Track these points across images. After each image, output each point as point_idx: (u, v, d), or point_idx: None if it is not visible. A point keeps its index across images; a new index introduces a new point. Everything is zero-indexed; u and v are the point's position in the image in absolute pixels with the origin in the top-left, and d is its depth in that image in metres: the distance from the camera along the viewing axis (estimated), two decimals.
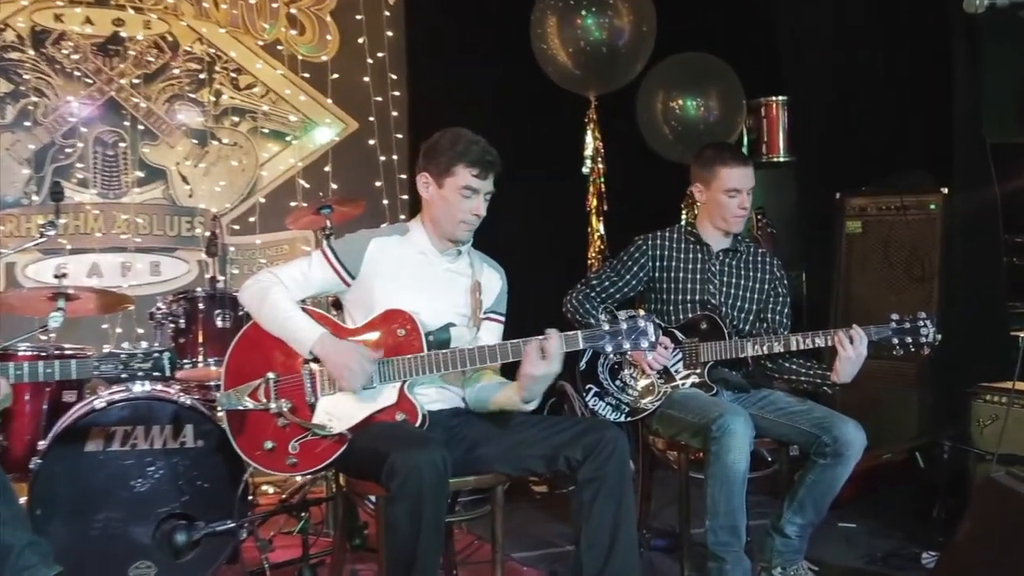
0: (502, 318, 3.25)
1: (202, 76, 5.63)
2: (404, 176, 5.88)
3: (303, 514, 3.77)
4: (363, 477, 2.91)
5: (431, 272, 3.13)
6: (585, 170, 5.74)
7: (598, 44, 5.50)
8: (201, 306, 4.12)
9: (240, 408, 2.99)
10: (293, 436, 2.97)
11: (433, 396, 3.08)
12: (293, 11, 5.82)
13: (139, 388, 3.61)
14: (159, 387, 3.66)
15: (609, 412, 3.63)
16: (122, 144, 5.48)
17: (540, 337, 2.89)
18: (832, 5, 5.76)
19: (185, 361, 4.06)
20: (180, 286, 5.40)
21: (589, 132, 5.73)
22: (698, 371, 3.61)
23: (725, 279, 3.71)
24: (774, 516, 3.51)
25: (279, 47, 5.80)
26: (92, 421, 3.48)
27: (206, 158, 5.64)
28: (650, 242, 3.73)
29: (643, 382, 3.63)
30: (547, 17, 5.56)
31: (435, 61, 5.91)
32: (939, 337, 3.32)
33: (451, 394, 3.14)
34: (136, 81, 5.49)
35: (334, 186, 5.83)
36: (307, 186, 5.80)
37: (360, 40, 5.96)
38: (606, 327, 2.90)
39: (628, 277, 3.71)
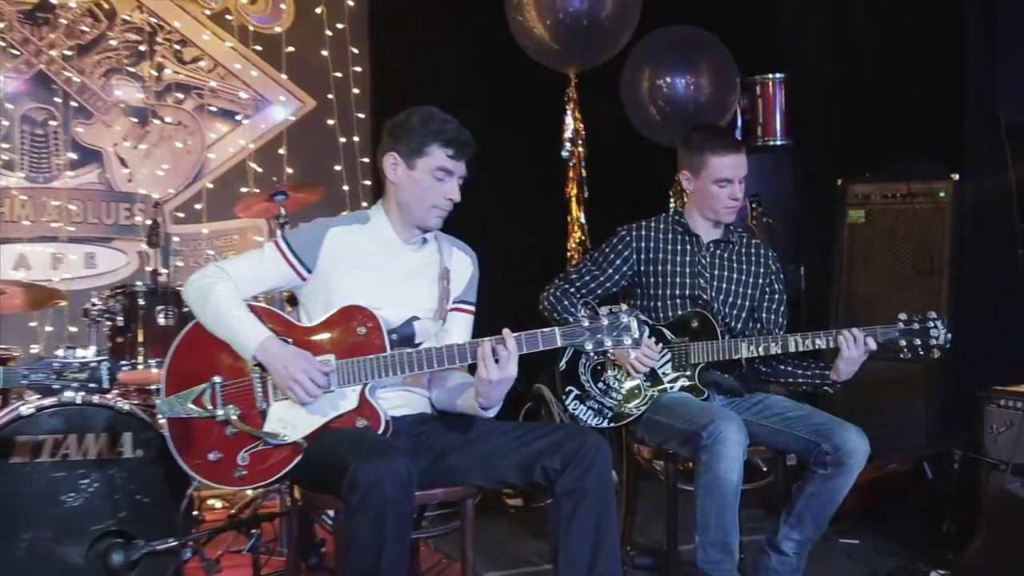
0: (472, 308, 3.25)
1: (142, 48, 5.59)
2: (366, 160, 5.86)
3: (254, 531, 3.75)
4: (320, 490, 2.90)
5: (395, 263, 3.12)
6: (564, 154, 5.74)
7: (578, 16, 5.49)
8: (141, 302, 4.11)
9: (183, 415, 2.97)
10: (242, 446, 2.95)
11: (397, 400, 3.07)
12: None
13: (72, 392, 3.57)
14: None
15: (591, 417, 3.63)
16: (53, 123, 5.44)
17: (494, 338, 2.89)
18: None
19: (123, 363, 4.05)
20: (118, 280, 5.37)
21: (569, 112, 5.73)
22: (688, 373, 3.62)
23: (717, 272, 3.72)
24: (770, 532, 3.52)
25: (228, 17, 5.77)
26: (18, 430, 3.44)
27: (147, 139, 5.60)
28: (634, 232, 3.73)
29: (628, 385, 3.63)
30: None
31: (400, 33, 5.90)
32: (950, 339, 3.33)
33: (416, 397, 3.14)
34: (68, 53, 5.45)
35: (289, 170, 5.82)
36: (259, 170, 5.78)
37: (318, 10, 5.95)
38: (586, 323, 2.90)
39: (611, 271, 3.71)
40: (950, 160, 5.01)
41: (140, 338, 4.08)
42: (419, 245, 3.17)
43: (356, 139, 5.96)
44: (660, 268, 3.69)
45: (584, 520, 2.85)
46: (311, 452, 2.92)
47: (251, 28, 5.81)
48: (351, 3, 5.99)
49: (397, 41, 5.91)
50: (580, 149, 5.75)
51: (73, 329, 5.15)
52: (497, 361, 2.86)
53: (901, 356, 3.39)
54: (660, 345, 3.60)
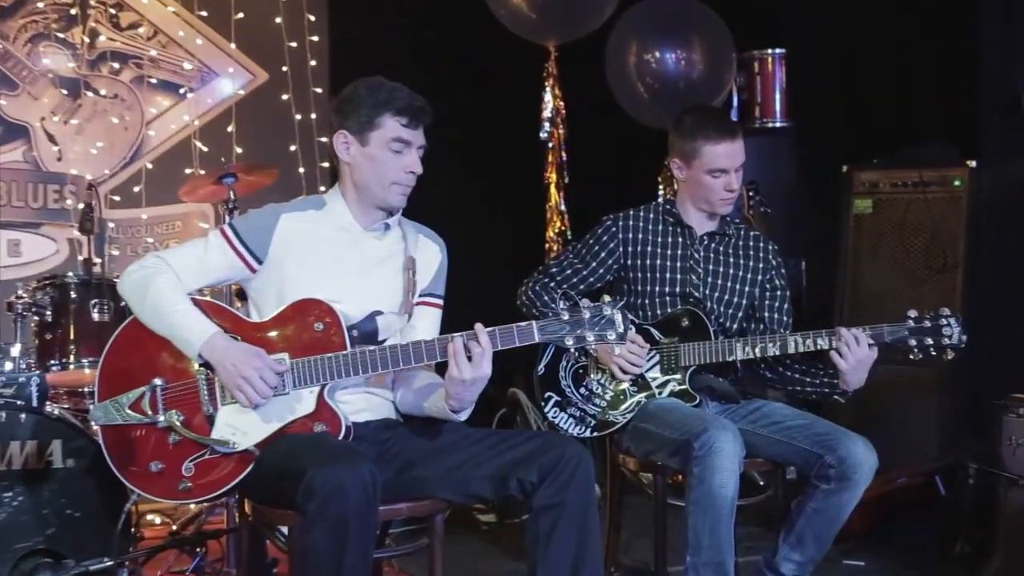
0: (440, 301, 3.24)
1: (73, 12, 5.56)
2: (324, 139, 5.80)
3: (198, 550, 3.74)
4: (274, 503, 2.88)
5: (354, 252, 3.11)
6: (543, 135, 5.74)
7: None
8: (73, 295, 4.10)
9: (120, 422, 2.95)
10: (187, 455, 2.94)
11: (359, 404, 3.07)
12: None
13: None
14: None
15: (572, 425, 3.63)
16: None
17: (466, 333, 2.89)
18: None
19: (53, 363, 4.02)
20: (46, 270, 5.36)
21: (548, 90, 5.74)
22: (678, 377, 3.62)
23: (711, 267, 3.73)
24: (768, 552, 3.54)
25: None
26: None
27: (79, 113, 5.57)
28: (621, 223, 3.74)
29: (612, 390, 3.63)
30: None
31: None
32: (965, 339, 3.35)
33: (380, 400, 3.13)
34: None
35: (239, 150, 5.80)
36: (205, 149, 5.76)
37: None
38: (565, 316, 2.91)
39: (594, 264, 3.71)
40: (965, 146, 5.04)
41: (71, 335, 4.07)
42: (381, 232, 3.17)
43: (313, 116, 5.94)
44: (648, 262, 3.70)
45: (564, 538, 2.85)
46: (263, 460, 2.90)
47: None
48: None
49: (358, 8, 5.90)
50: (560, 130, 5.76)
51: None
52: (470, 358, 2.85)
53: (911, 358, 3.39)
54: (648, 346, 3.60)
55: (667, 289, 3.69)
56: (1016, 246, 4.82)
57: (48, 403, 3.62)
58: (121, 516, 3.47)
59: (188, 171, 5.66)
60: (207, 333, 2.92)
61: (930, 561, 4.26)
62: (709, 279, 3.72)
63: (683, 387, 3.61)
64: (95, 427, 3.13)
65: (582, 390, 3.66)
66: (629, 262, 3.71)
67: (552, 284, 3.70)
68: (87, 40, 5.58)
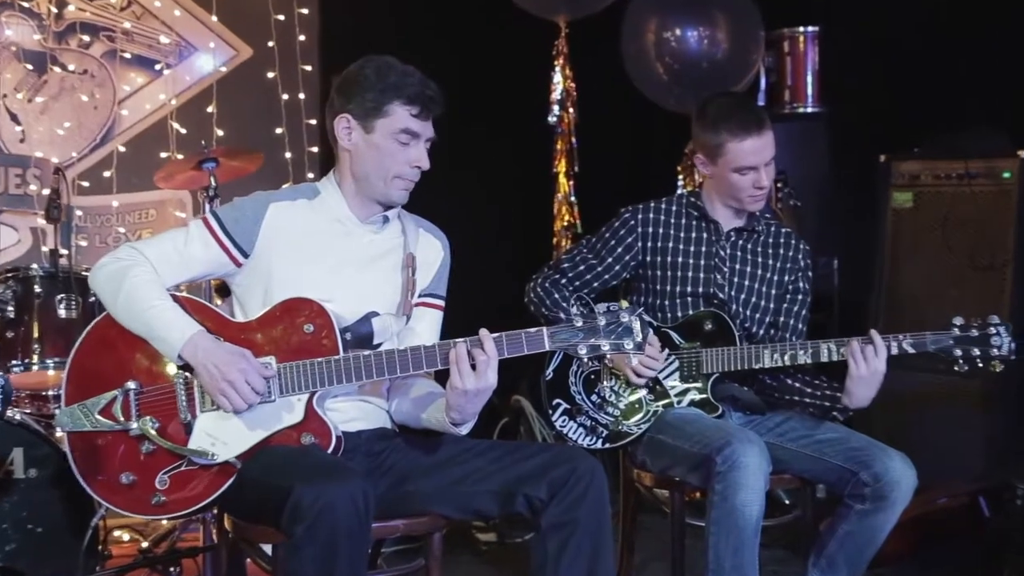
0: (442, 302, 3.25)
1: None
2: (313, 121, 5.86)
3: (172, 569, 3.75)
4: (256, 519, 2.89)
5: (349, 247, 3.12)
6: (551, 119, 5.75)
7: None
8: (37, 289, 4.10)
9: (88, 429, 2.96)
10: (162, 466, 2.94)
11: (351, 412, 3.07)
12: None
13: None
14: None
15: (582, 436, 3.63)
16: None
17: (470, 339, 2.89)
18: None
19: (14, 363, 4.02)
20: (7, 261, 5.35)
21: (558, 70, 5.75)
22: (699, 385, 3.63)
23: (737, 267, 3.73)
24: None
25: None
26: None
27: (44, 90, 5.58)
28: (640, 216, 3.74)
29: (627, 398, 3.64)
30: None
31: None
32: (1015, 348, 3.34)
33: (374, 409, 3.14)
34: None
35: (220, 132, 5.81)
36: (183, 131, 5.77)
37: None
38: (579, 322, 2.91)
39: (611, 260, 3.72)
40: (1017, 133, 5.04)
41: (35, 333, 4.07)
42: (379, 226, 3.17)
43: (302, 96, 5.94)
44: (670, 259, 3.70)
45: (575, 559, 2.85)
46: (246, 474, 2.90)
47: None
48: None
49: None
50: (570, 114, 5.76)
51: None
52: (474, 367, 2.85)
53: (956, 369, 3.40)
54: (667, 351, 3.60)
55: (689, 289, 3.69)
56: None
57: (9, 408, 3.62)
58: (87, 532, 3.48)
59: (164, 155, 5.66)
60: (188, 332, 2.91)
61: None
62: (735, 279, 3.72)
63: (704, 396, 3.62)
64: (60, 434, 3.12)
65: (594, 398, 3.66)
66: (648, 259, 3.72)
67: (563, 281, 3.70)
68: (54, 10, 5.58)
